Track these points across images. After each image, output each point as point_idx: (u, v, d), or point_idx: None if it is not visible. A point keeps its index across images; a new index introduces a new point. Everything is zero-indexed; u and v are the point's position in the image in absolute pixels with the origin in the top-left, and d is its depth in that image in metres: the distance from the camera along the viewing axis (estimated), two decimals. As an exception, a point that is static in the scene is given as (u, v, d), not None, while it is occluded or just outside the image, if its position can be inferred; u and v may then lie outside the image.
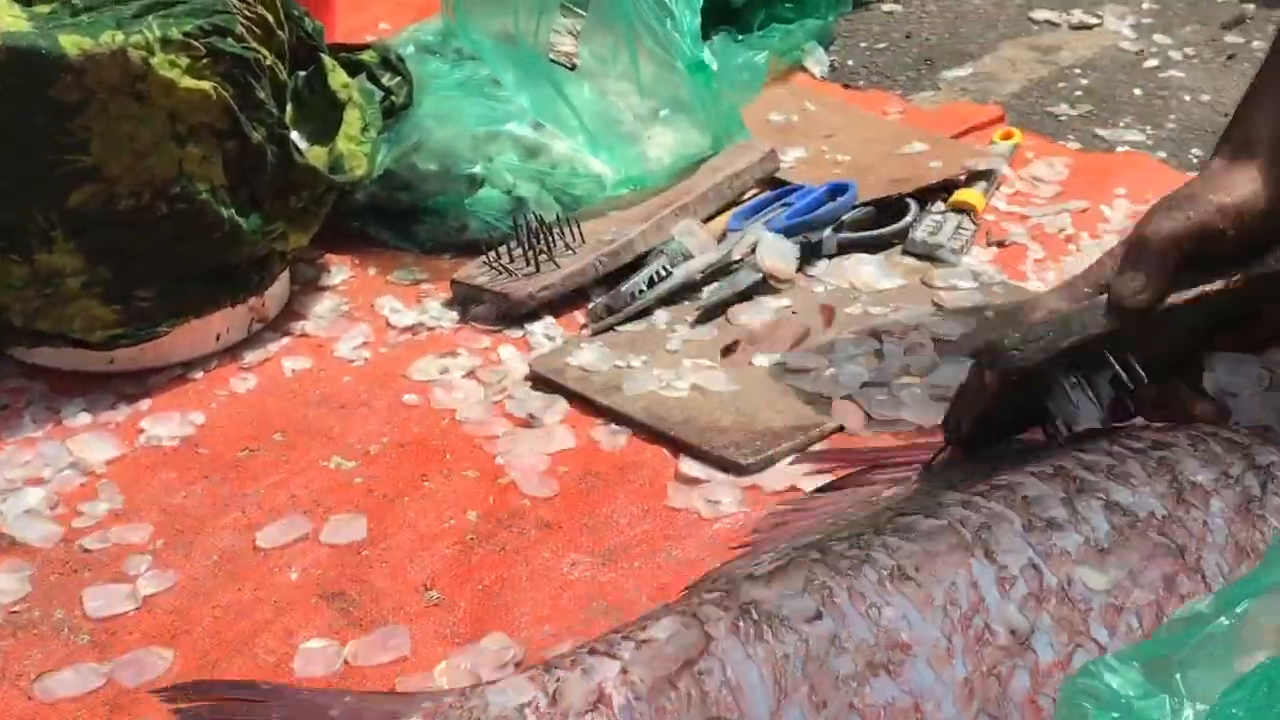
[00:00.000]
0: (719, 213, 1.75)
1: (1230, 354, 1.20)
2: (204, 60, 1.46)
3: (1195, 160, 1.88)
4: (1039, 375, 1.11)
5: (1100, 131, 2.00)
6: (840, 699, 0.95)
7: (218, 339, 1.57)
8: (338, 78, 1.69)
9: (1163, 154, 1.92)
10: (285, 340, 1.60)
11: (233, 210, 1.51)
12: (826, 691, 0.96)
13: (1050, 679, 0.96)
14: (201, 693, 1.05)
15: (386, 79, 1.77)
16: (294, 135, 1.60)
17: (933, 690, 0.96)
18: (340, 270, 1.72)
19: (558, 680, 0.98)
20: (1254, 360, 1.22)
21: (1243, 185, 1.13)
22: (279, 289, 1.62)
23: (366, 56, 1.78)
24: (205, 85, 1.46)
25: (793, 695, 0.96)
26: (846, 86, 2.17)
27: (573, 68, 1.74)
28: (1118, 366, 1.11)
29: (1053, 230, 1.73)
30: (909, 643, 0.97)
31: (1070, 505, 1.04)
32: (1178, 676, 0.80)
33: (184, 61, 1.45)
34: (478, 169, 1.74)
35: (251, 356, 1.57)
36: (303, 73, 1.68)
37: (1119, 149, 1.94)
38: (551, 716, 0.97)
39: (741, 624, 0.99)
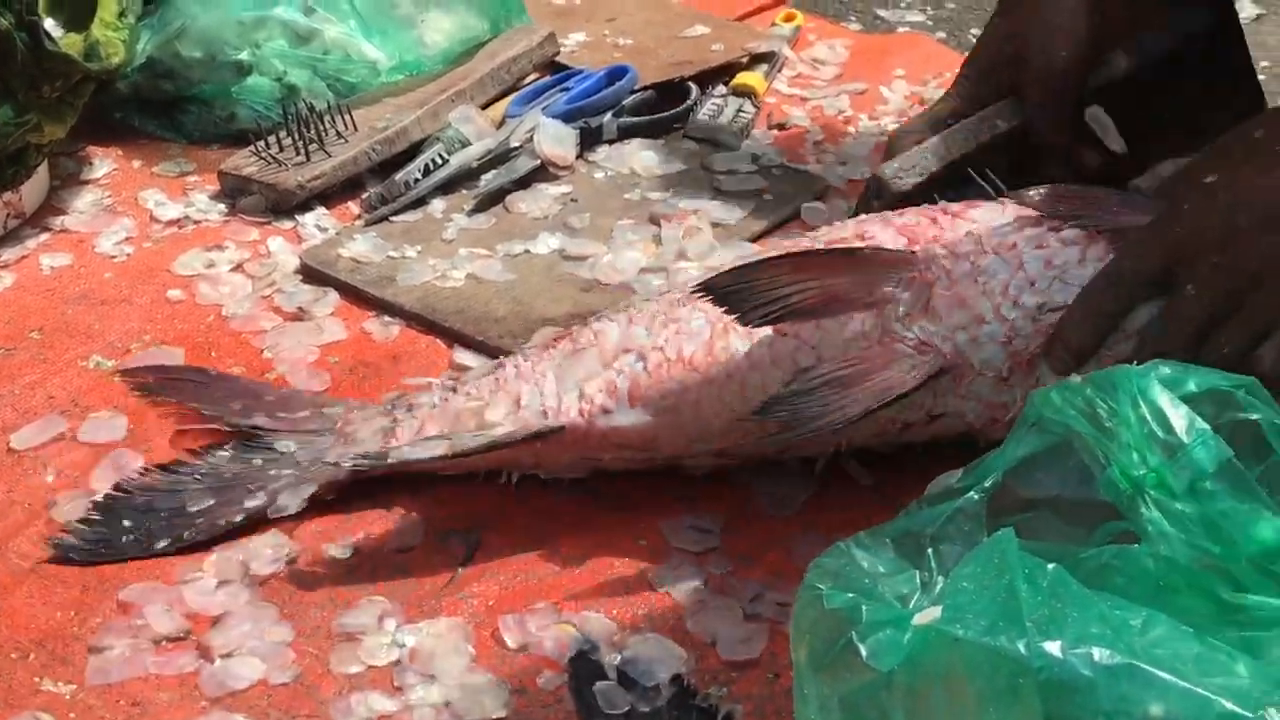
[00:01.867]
0: (497, 99, 1.71)
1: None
2: (-59, -59, 1.38)
3: (973, 39, 1.87)
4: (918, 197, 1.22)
5: (881, 12, 1.99)
6: None
7: (-29, 236, 1.50)
8: (93, -39, 1.61)
9: (942, 34, 1.92)
10: (44, 236, 1.53)
11: (-19, 101, 1.43)
12: None
13: None
14: (156, 373, 1.29)
15: (147, -38, 1.69)
16: (48, 22, 1.52)
17: None
18: (103, 163, 1.65)
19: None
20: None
21: None
22: (36, 183, 1.55)
23: (125, -62, 1.70)
24: (-56, -32, 1.38)
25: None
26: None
27: (341, -50, 1.68)
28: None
29: (832, 112, 1.72)
30: None
31: None
32: (929, 551, 0.80)
33: (-82, -58, 1.36)
34: (245, 56, 1.67)
35: (8, 254, 1.50)
36: (57, -44, 1.60)
37: (900, 30, 1.93)
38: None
39: None
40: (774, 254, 1.13)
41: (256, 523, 1.15)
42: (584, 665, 1.02)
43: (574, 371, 1.15)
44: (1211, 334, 0.98)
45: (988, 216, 1.12)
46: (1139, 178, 1.18)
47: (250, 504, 1.15)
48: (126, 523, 1.15)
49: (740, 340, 1.10)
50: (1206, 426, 0.76)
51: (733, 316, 1.07)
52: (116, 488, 1.18)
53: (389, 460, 1.13)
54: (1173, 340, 0.99)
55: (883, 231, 1.13)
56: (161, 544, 1.13)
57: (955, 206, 1.15)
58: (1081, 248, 1.08)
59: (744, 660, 1.03)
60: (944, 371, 1.07)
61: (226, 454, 1.20)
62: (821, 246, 1.14)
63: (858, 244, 1.12)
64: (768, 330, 1.09)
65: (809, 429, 1.05)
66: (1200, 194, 1.00)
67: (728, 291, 1.07)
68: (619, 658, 1.03)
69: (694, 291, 1.09)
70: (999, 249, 1.09)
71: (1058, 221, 1.10)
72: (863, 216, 1.19)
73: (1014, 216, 1.11)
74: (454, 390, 1.19)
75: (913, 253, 1.10)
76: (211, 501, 1.15)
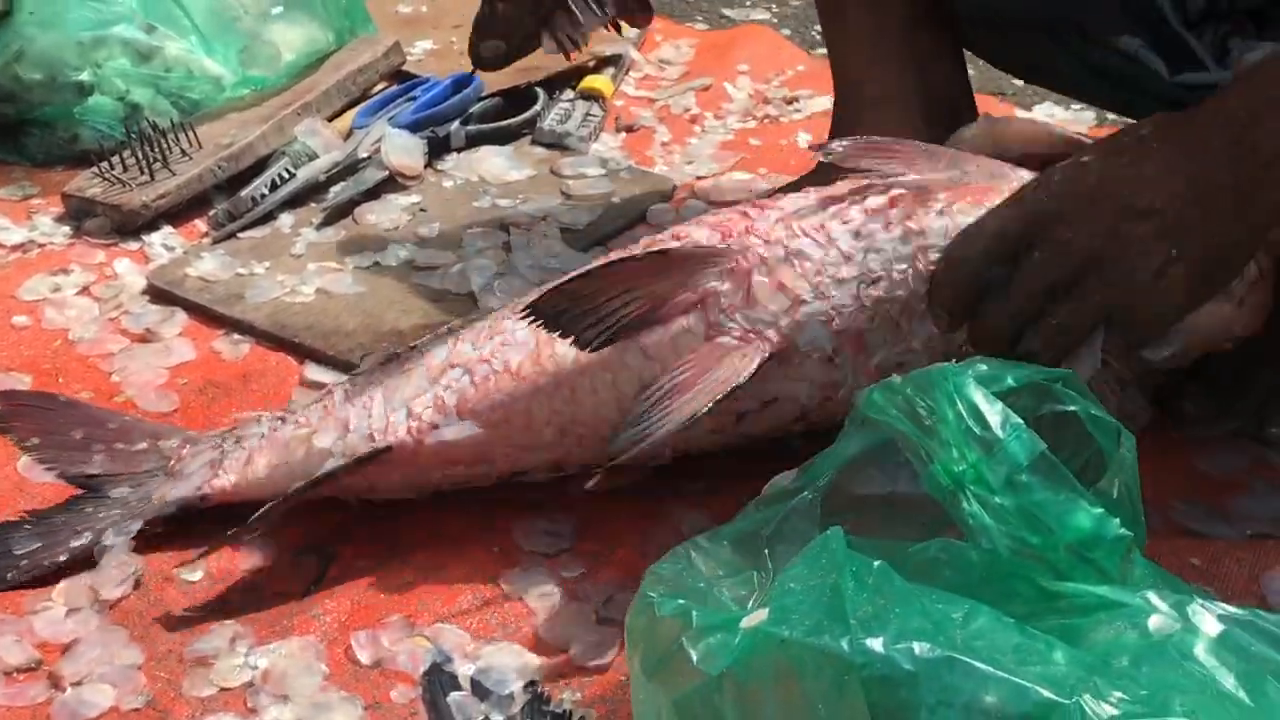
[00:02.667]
0: (344, 110, 1.71)
1: None
2: None
3: (817, 35, 1.89)
4: None
5: (727, 11, 2.01)
6: None
7: None
8: (-75, -14, 1.60)
9: (787, 30, 1.94)
10: (-116, 267, 1.51)
11: None
12: None
13: None
14: (4, 399, 1.25)
15: (-19, -15, 1.67)
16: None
17: None
18: (-57, 189, 1.63)
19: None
20: None
21: None
22: (-125, 212, 1.53)
23: (-40, -37, 1.68)
24: None
25: None
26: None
27: (178, -35, 1.67)
28: None
29: (679, 111, 1.73)
30: None
31: None
32: (766, 551, 0.81)
33: None
34: (86, 76, 1.66)
35: None
36: (-113, -18, 1.58)
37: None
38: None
39: None
40: (594, 265, 1.13)
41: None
42: (438, 677, 1.02)
43: (401, 391, 1.14)
44: (1045, 305, 1.00)
45: (794, 202, 1.12)
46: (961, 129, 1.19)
47: (75, 544, 1.14)
48: None
49: (565, 347, 1.10)
50: (1020, 421, 0.78)
51: (569, 340, 1.08)
52: None
53: (205, 501, 1.15)
54: (1011, 302, 1.01)
55: (696, 230, 1.13)
56: None
57: (763, 199, 1.16)
58: (884, 214, 1.08)
59: (596, 665, 1.03)
60: (772, 357, 1.08)
61: (57, 510, 1.18)
62: (639, 251, 1.14)
63: (673, 244, 1.13)
64: None
65: (658, 440, 1.06)
66: (1073, 171, 1.02)
67: (557, 313, 1.07)
68: (473, 668, 1.03)
69: (522, 315, 1.09)
70: (808, 230, 1.09)
71: (860, 192, 1.11)
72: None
73: (817, 198, 1.12)
74: (282, 420, 1.18)
75: (727, 245, 1.10)
76: (37, 545, 1.14)
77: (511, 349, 1.13)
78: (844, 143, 1.13)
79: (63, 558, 1.13)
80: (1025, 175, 1.08)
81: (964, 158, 1.11)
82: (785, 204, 1.12)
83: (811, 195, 1.12)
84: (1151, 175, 0.99)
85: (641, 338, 1.09)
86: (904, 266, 1.07)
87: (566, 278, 1.10)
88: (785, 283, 1.08)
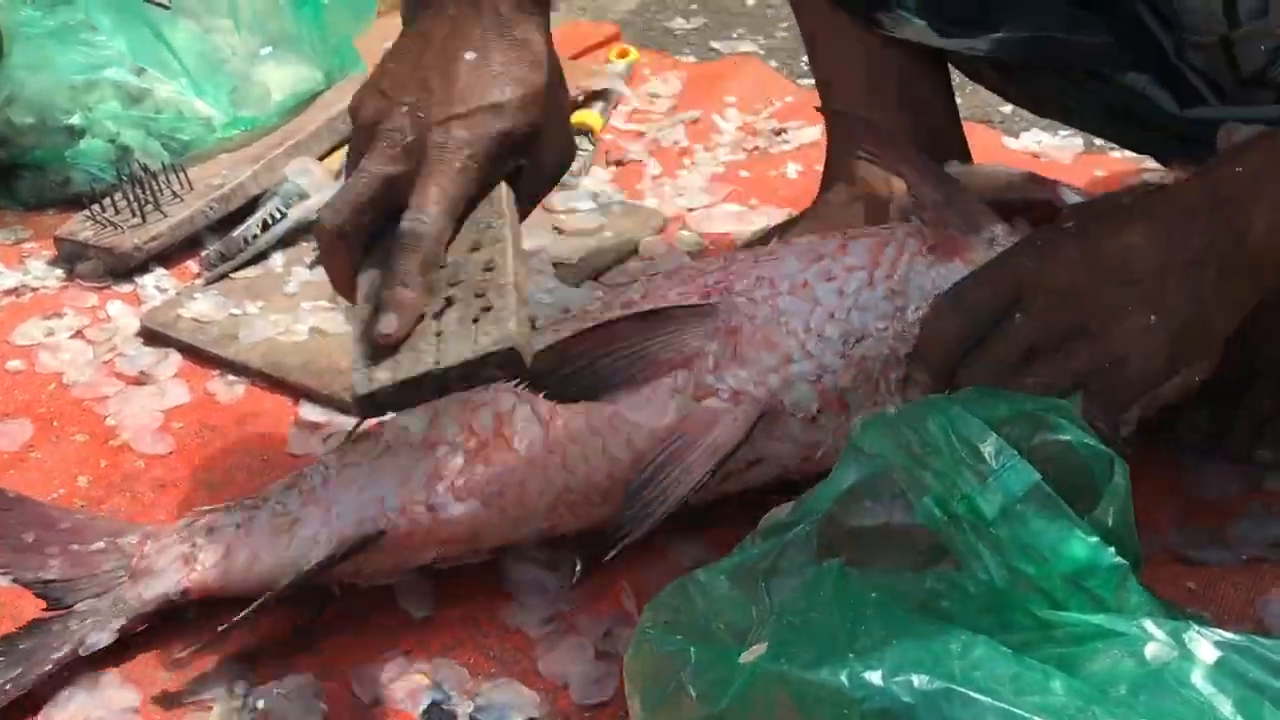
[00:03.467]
0: (334, 149, 1.71)
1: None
2: None
3: (805, 66, 1.90)
4: None
5: (715, 44, 2.02)
6: None
7: None
8: (-85, 32, 1.60)
9: (774, 62, 1.95)
10: (-124, 313, 1.51)
11: None
12: None
13: None
14: None
15: (-29, 31, 1.68)
16: None
17: None
18: (-64, 233, 1.63)
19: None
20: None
21: None
22: None
23: (-50, 9, 1.69)
24: None
25: None
26: (466, 12, 2.14)
27: (167, 7, 1.67)
28: None
29: (668, 144, 1.74)
30: None
31: None
32: (763, 584, 0.81)
33: None
34: (77, 119, 1.67)
35: None
36: (-120, 29, 1.59)
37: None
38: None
39: None
40: (581, 327, 1.11)
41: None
42: (438, 715, 1.02)
43: (386, 470, 1.12)
44: (1024, 367, 1.00)
45: (773, 262, 1.12)
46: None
47: (58, 655, 1.07)
48: None
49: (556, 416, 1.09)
50: (1014, 451, 0.78)
51: (548, 396, 1.07)
52: None
53: (185, 596, 1.10)
54: (991, 361, 1.01)
55: (679, 288, 1.13)
56: None
57: (741, 254, 1.15)
58: (868, 271, 1.09)
59: (596, 702, 1.03)
60: (762, 416, 1.08)
61: (23, 634, 1.10)
62: (624, 313, 1.12)
63: (662, 304, 1.12)
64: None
65: (662, 514, 1.05)
66: (1055, 236, 1.02)
67: (540, 375, 1.06)
68: (472, 705, 1.03)
69: (515, 384, 1.07)
70: (793, 289, 1.09)
71: (840, 244, 1.11)
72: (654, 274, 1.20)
73: (797, 256, 1.12)
74: (257, 508, 1.13)
75: (714, 304, 1.10)
76: (18, 670, 1.07)
77: (502, 422, 1.11)
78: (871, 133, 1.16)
79: (48, 667, 1.07)
80: (999, 229, 1.10)
81: (953, 187, 1.12)
82: (765, 263, 1.12)
83: (790, 253, 1.13)
84: (1134, 244, 0.99)
85: (630, 400, 1.08)
86: (885, 325, 1.07)
87: (551, 342, 1.09)
88: (773, 340, 1.08)
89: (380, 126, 1.04)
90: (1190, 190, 1.01)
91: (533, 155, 1.09)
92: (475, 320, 0.98)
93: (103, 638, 1.08)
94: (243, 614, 1.06)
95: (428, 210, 1.02)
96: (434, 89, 1.05)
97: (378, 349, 0.98)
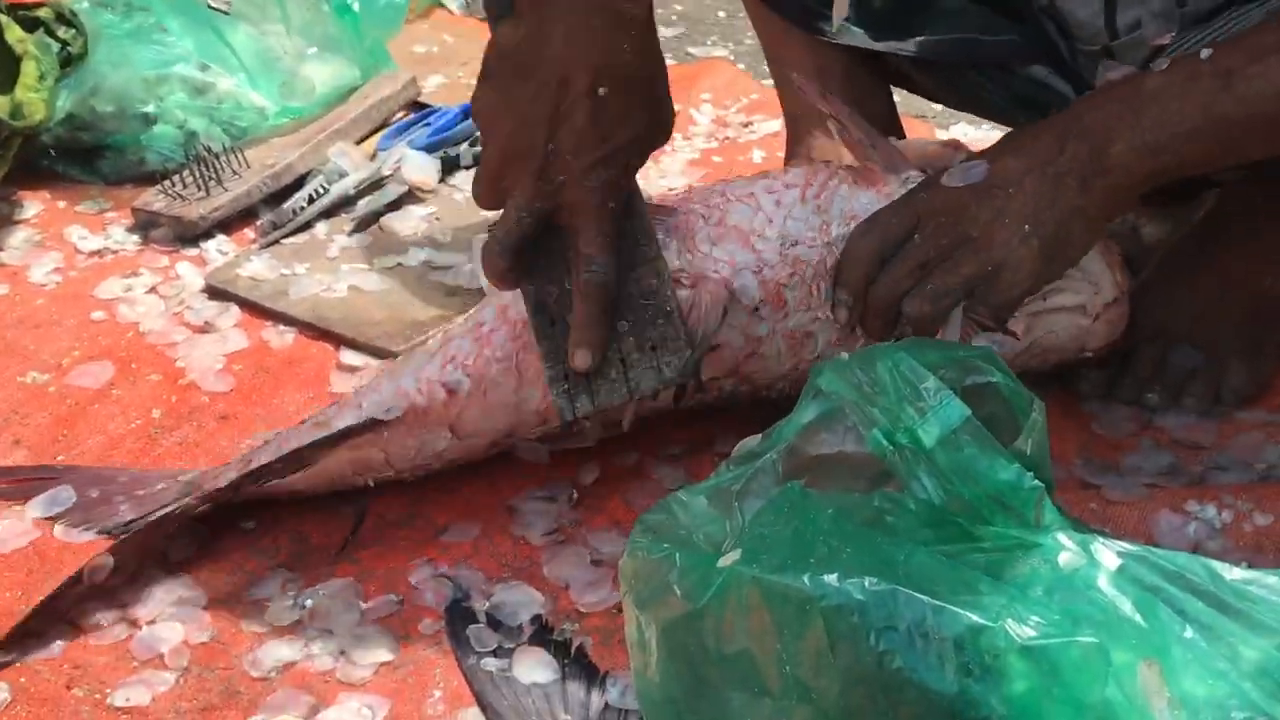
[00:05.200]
0: (369, 135, 1.70)
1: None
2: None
3: (768, 70, 1.89)
4: None
5: (691, 49, 2.00)
6: None
7: (-84, 274, 1.45)
8: (14, 33, 1.58)
9: (743, 65, 1.93)
10: (-18, 271, 1.50)
11: (-82, 157, 1.40)
12: None
13: None
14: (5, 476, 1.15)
15: (62, 32, 1.66)
16: (-25, 87, 1.49)
17: None
18: (33, 205, 1.61)
19: None
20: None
21: None
22: (-27, 226, 1.52)
23: (43, 13, 1.67)
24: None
25: None
26: (482, 20, 2.12)
27: (227, 12, 1.66)
28: None
29: (651, 135, 1.72)
30: None
31: None
32: (736, 504, 0.81)
33: None
34: (150, 108, 1.65)
35: (-50, 288, 1.46)
36: (-19, 31, 1.57)
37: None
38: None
39: None
40: None
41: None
42: (458, 612, 1.02)
43: (406, 366, 1.12)
44: (922, 279, 1.01)
45: (731, 182, 1.13)
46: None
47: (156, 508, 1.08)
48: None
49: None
50: (949, 390, 0.78)
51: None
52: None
53: (252, 481, 1.08)
54: (893, 275, 1.02)
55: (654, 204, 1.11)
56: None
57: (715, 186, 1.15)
58: (800, 189, 1.10)
59: (592, 601, 1.03)
60: (729, 293, 1.07)
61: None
62: None
63: None
64: None
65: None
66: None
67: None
68: (488, 604, 1.03)
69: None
70: (740, 199, 1.10)
71: (783, 171, 1.13)
72: None
73: (749, 179, 1.12)
74: (301, 424, 1.13)
75: (673, 207, 1.10)
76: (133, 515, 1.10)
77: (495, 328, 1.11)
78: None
79: (162, 510, 1.08)
80: (913, 173, 1.11)
81: (879, 137, 1.13)
82: (724, 185, 1.13)
83: (745, 178, 1.13)
84: (1009, 165, 1.01)
85: None
86: (813, 235, 1.08)
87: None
88: (723, 237, 1.08)
89: (529, 165, 0.97)
90: (1061, 118, 1.02)
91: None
92: (653, 348, 1.02)
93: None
94: (287, 453, 1.07)
95: (598, 260, 0.99)
96: (577, 129, 0.96)
97: (573, 377, 1.02)
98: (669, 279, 1.04)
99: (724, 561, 0.73)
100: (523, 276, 1.03)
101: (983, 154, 1.05)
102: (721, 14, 2.12)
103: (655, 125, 1.02)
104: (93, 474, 1.16)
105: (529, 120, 0.96)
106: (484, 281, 1.39)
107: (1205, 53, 0.98)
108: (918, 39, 1.28)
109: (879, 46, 1.29)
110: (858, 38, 1.29)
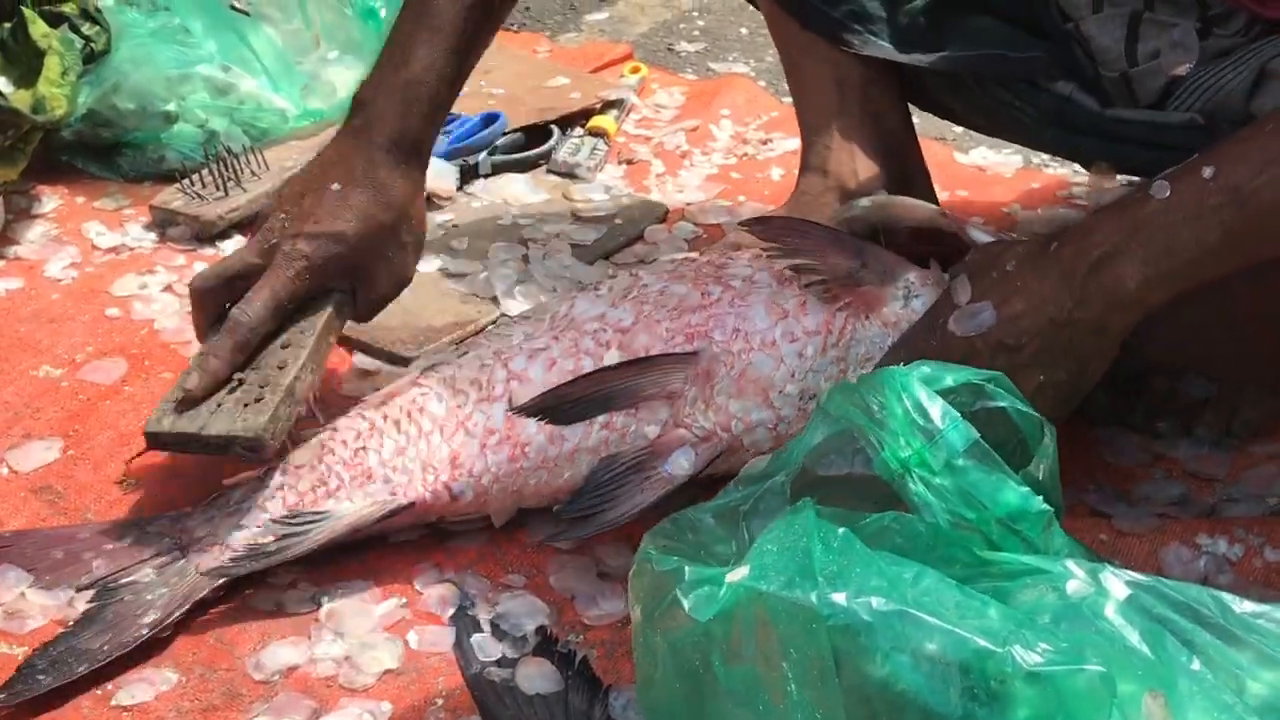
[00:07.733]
0: (389, 140, 1.70)
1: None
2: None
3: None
4: None
5: (713, 65, 2.00)
6: None
7: (-69, 265, 1.46)
8: (38, 28, 1.59)
9: (763, 82, 1.94)
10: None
11: (-60, 149, 1.40)
12: None
13: None
14: None
15: (86, 28, 1.66)
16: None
17: None
18: (51, 199, 1.62)
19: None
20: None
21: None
22: (-8, 218, 1.52)
23: (68, 9, 1.67)
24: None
25: None
26: (506, 29, 2.12)
27: (248, 14, 1.67)
28: None
29: (671, 147, 1.73)
30: None
31: None
32: (743, 524, 0.82)
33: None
34: (172, 106, 1.66)
35: (-33, 280, 1.47)
36: (7, 24, 1.58)
37: (727, 79, 1.95)
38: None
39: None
40: (581, 376, 1.10)
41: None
42: (463, 620, 1.02)
43: (412, 446, 1.10)
44: None
45: (747, 309, 1.11)
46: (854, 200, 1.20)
47: (147, 619, 1.02)
48: (41, 677, 0.98)
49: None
50: (957, 414, 0.78)
51: (551, 423, 1.09)
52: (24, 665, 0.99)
53: (266, 561, 1.06)
54: None
55: (667, 323, 1.11)
56: (81, 669, 0.99)
57: (718, 290, 1.13)
58: (823, 337, 1.09)
59: (596, 613, 1.04)
60: (720, 454, 1.08)
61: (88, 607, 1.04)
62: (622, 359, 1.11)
63: (653, 330, 1.11)
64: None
65: (608, 522, 1.06)
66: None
67: (543, 409, 1.08)
68: (493, 613, 1.03)
69: (515, 411, 1.08)
70: (763, 346, 1.09)
71: (800, 301, 1.10)
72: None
73: (766, 308, 1.10)
74: (283, 472, 1.10)
75: (695, 352, 1.09)
76: (109, 636, 1.01)
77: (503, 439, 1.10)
78: (765, 224, 1.14)
79: (145, 632, 1.02)
80: (912, 276, 1.10)
81: (864, 247, 1.11)
82: (740, 313, 1.11)
83: (760, 302, 1.11)
84: (1020, 315, 1.00)
85: (615, 420, 1.09)
86: (829, 382, 1.09)
87: (555, 386, 1.09)
88: (744, 391, 1.09)
89: (261, 224, 1.15)
90: (1066, 253, 0.99)
91: (366, 280, 1.17)
92: (247, 405, 1.07)
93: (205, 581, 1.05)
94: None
95: (254, 305, 1.11)
96: (303, 206, 1.14)
97: (180, 399, 1.09)
98: (309, 368, 1.12)
99: (732, 577, 0.73)
100: (211, 318, 1.14)
101: (981, 291, 1.03)
102: (744, 30, 2.12)
103: (365, 240, 1.15)
104: (48, 536, 1.10)
105: (288, 194, 1.16)
106: (499, 289, 1.40)
107: (1208, 170, 0.95)
108: (943, 54, 1.28)
109: (905, 59, 1.29)
110: (884, 49, 1.29)
